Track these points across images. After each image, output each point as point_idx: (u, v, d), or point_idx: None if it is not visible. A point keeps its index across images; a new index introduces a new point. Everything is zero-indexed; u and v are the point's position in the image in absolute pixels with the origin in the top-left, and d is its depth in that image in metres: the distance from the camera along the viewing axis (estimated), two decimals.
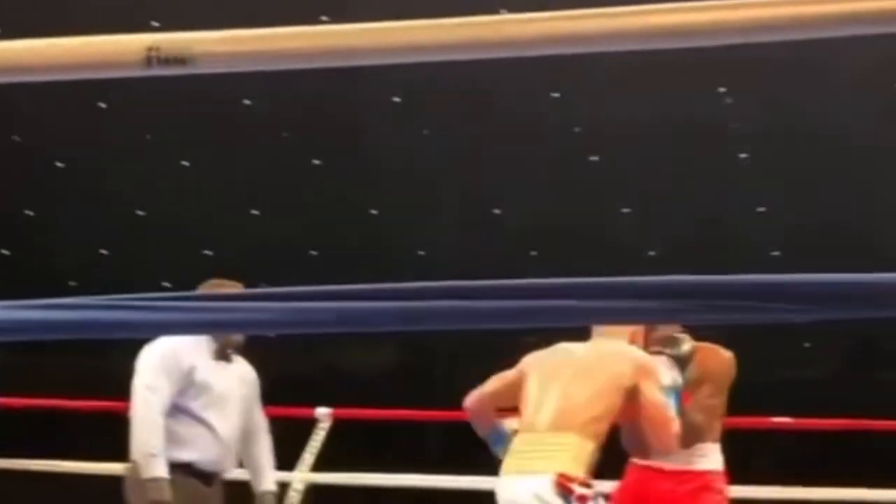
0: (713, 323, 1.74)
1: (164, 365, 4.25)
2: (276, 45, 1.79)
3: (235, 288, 4.30)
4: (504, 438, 3.82)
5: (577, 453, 3.59)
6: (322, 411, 5.94)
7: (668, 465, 4.00)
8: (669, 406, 3.81)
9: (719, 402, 4.09)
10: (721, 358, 4.06)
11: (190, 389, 4.30)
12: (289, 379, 10.95)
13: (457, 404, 5.83)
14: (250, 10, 8.78)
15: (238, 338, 4.43)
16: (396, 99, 10.22)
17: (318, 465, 5.90)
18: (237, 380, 4.46)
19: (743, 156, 10.64)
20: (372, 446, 7.78)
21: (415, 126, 10.77)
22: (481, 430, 3.92)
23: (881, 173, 10.40)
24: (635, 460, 4.09)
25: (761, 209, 11.14)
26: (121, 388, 4.48)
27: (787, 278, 1.67)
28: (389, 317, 1.78)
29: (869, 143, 10.15)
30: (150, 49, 1.79)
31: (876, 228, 10.95)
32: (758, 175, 10.63)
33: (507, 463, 3.68)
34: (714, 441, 4.08)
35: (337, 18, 9.08)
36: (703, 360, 4.02)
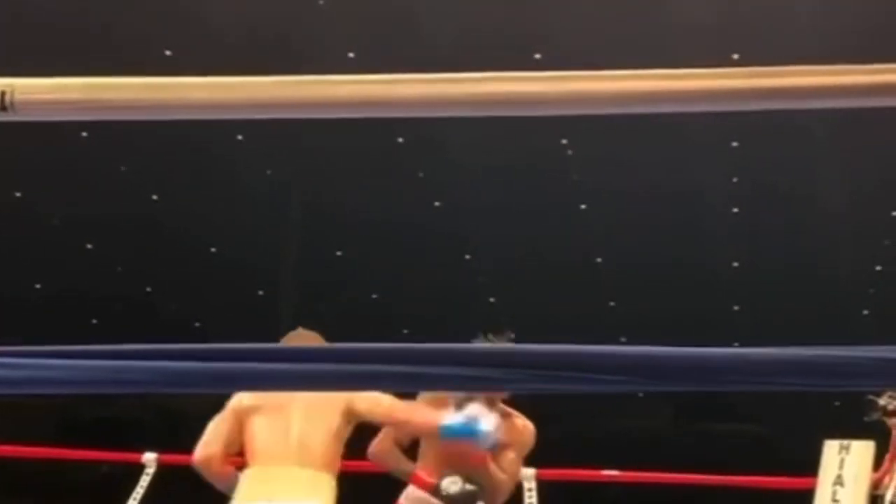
0: (538, 392, 1.72)
1: None
2: (101, 95, 1.73)
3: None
4: None
5: (331, 492, 3.78)
6: (149, 456, 5.78)
7: None
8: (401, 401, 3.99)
9: (518, 465, 4.35)
10: (526, 429, 4.24)
11: None
12: (118, 421, 10.69)
13: None
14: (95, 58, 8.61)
15: None
16: (239, 137, 10.10)
17: None
18: None
19: (583, 206, 10.80)
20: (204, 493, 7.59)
21: (259, 164, 10.66)
22: (221, 481, 3.90)
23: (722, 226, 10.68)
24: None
25: (598, 259, 11.32)
26: None
27: (610, 349, 1.67)
28: (195, 377, 1.72)
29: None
30: None
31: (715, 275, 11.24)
32: (599, 224, 10.80)
33: (259, 490, 3.74)
34: None
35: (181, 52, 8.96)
36: (508, 429, 4.18)
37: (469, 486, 4.17)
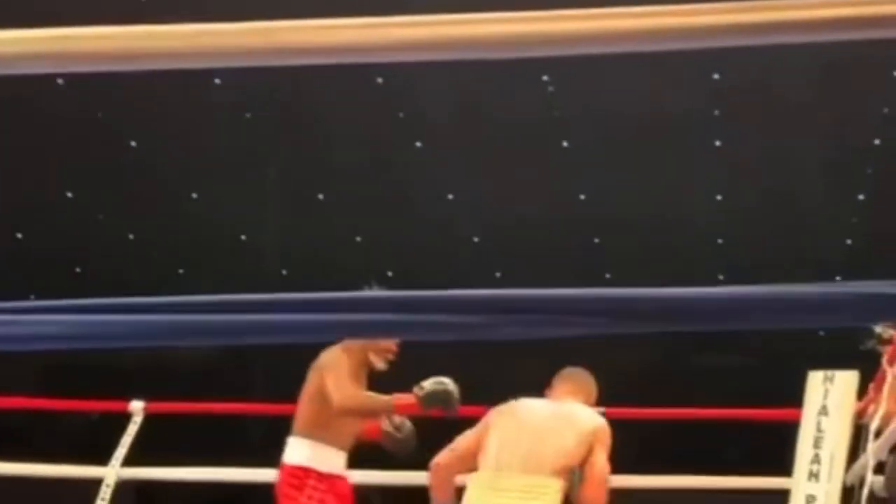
0: (516, 337, 1.72)
1: None
2: (71, 47, 1.69)
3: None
4: None
5: (560, 497, 4.07)
6: (136, 405, 5.79)
7: None
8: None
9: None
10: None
11: None
12: (103, 369, 10.69)
13: (277, 396, 5.75)
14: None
15: None
16: (217, 81, 10.03)
17: (133, 460, 5.76)
18: None
19: (565, 144, 10.77)
20: (190, 440, 7.63)
21: (237, 108, 10.59)
22: (439, 493, 4.10)
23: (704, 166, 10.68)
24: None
25: (581, 196, 11.32)
26: None
27: (585, 292, 1.66)
28: (183, 330, 1.71)
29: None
30: None
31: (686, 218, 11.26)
32: (581, 162, 10.78)
33: (493, 498, 4.02)
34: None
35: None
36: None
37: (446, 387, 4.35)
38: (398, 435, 4.57)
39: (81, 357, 11.24)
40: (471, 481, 4.12)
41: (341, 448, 4.57)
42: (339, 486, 4.56)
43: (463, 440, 4.23)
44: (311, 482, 4.45)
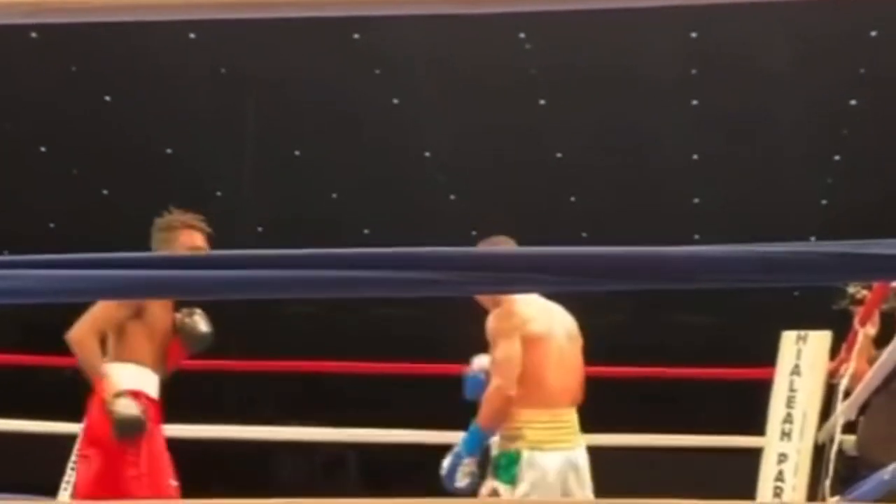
0: (488, 293, 1.72)
1: None
2: None
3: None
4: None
5: None
6: None
7: None
8: None
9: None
10: None
11: None
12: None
13: (253, 354, 5.73)
14: None
15: None
16: (192, 35, 9.94)
17: None
18: None
19: (542, 102, 10.75)
20: (165, 397, 7.59)
21: (213, 63, 10.52)
22: (501, 424, 4.07)
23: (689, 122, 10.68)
24: None
25: (558, 154, 11.32)
26: None
27: (558, 250, 1.66)
28: (159, 285, 1.71)
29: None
30: None
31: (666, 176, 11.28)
32: (558, 119, 10.76)
33: (559, 436, 4.08)
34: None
35: None
36: None
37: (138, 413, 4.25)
38: (189, 322, 4.48)
39: (58, 314, 11.20)
40: (532, 419, 4.08)
41: (158, 373, 4.47)
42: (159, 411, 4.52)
43: (515, 368, 4.05)
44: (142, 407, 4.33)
